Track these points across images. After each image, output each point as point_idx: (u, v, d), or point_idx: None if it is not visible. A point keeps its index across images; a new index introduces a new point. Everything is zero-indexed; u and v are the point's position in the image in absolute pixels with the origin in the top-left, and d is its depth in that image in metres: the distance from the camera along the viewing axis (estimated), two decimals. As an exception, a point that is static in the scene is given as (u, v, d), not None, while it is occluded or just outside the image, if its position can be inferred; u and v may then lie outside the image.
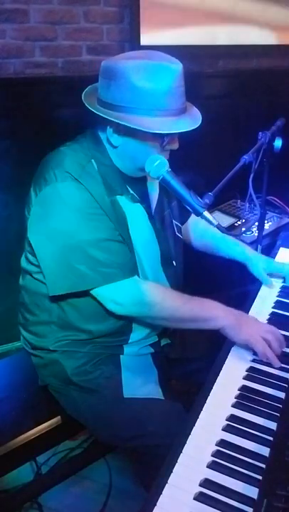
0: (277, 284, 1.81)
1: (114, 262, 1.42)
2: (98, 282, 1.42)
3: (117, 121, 1.35)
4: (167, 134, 1.39)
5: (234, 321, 1.46)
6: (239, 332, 1.44)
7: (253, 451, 1.12)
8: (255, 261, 1.82)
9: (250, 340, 1.41)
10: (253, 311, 1.66)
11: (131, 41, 2.62)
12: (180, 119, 1.38)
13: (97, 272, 1.41)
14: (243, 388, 1.31)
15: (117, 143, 1.45)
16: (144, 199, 1.59)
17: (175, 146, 1.46)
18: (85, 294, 1.47)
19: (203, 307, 1.50)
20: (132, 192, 1.53)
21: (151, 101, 1.33)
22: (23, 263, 1.63)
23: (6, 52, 2.35)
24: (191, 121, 1.39)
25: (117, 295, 1.45)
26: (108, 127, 1.43)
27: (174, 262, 1.68)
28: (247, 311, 1.65)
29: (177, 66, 1.35)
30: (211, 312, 1.48)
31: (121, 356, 1.60)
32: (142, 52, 1.40)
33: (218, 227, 1.46)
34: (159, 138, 1.41)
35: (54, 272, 1.46)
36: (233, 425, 1.19)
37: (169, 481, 1.04)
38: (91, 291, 1.46)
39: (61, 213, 1.41)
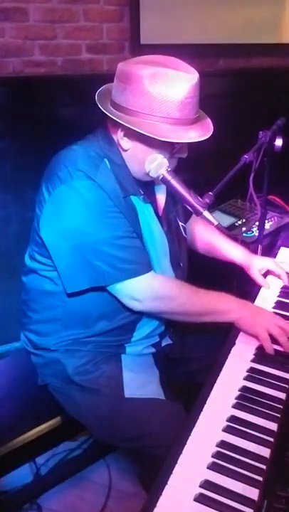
0: (278, 284, 1.81)
1: (132, 258, 1.43)
2: (117, 278, 1.43)
3: (128, 125, 1.35)
4: (177, 143, 1.39)
5: (248, 313, 1.53)
6: (252, 325, 1.50)
7: (253, 452, 1.12)
8: (252, 263, 1.82)
9: (260, 336, 1.47)
10: (253, 311, 1.65)
11: (131, 40, 2.62)
12: (191, 129, 1.37)
13: (116, 268, 1.41)
14: (244, 389, 1.30)
15: (126, 146, 1.45)
16: (152, 201, 1.59)
17: (184, 154, 1.47)
18: (98, 289, 1.47)
19: (219, 300, 1.55)
20: (143, 193, 1.52)
21: (164, 109, 1.33)
22: (28, 261, 1.63)
23: (5, 51, 2.35)
24: (202, 131, 1.39)
25: (136, 291, 1.45)
26: (119, 130, 1.43)
27: (181, 263, 1.68)
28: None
29: (193, 76, 1.35)
30: (227, 304, 1.54)
31: (122, 356, 1.60)
32: (160, 58, 1.39)
33: (219, 227, 1.46)
34: (169, 146, 1.41)
35: (72, 269, 1.46)
36: (234, 426, 1.18)
37: (169, 482, 1.04)
38: (109, 288, 1.46)
39: (77, 211, 1.41)
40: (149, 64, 1.35)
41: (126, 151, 1.46)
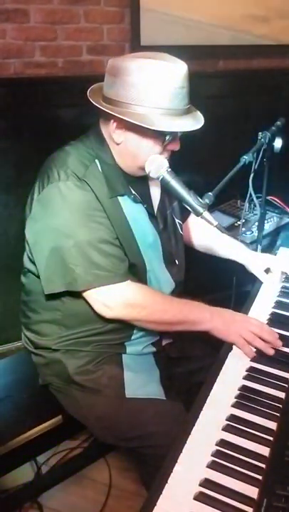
0: (278, 284, 1.81)
1: (108, 266, 1.43)
2: (90, 284, 1.43)
3: (120, 116, 1.37)
4: (169, 133, 1.41)
5: (221, 323, 1.50)
6: (227, 334, 1.48)
7: (252, 451, 1.12)
8: (253, 260, 1.83)
9: (237, 344, 1.46)
10: (253, 311, 1.66)
11: (131, 41, 2.62)
12: (182, 119, 1.39)
13: (90, 273, 1.42)
14: (243, 388, 1.31)
15: (119, 139, 1.46)
16: (145, 199, 1.59)
17: (176, 147, 1.47)
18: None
19: (191, 310, 1.53)
20: (134, 192, 1.53)
21: (153, 99, 1.35)
22: (26, 262, 1.63)
23: (6, 53, 2.35)
24: (193, 122, 1.40)
25: (108, 298, 1.45)
26: (112, 123, 1.44)
27: (176, 261, 1.68)
28: (247, 311, 1.66)
29: (182, 67, 1.37)
30: (199, 315, 1.51)
31: (123, 355, 1.61)
32: (149, 53, 1.41)
33: (218, 227, 1.46)
34: (161, 136, 1.42)
35: (50, 270, 1.47)
36: (233, 425, 1.19)
37: (169, 480, 1.04)
38: (83, 294, 1.46)
39: (60, 213, 1.42)
40: (138, 57, 1.38)
41: (119, 144, 1.47)
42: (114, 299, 1.46)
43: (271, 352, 1.44)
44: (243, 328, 1.47)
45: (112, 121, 1.43)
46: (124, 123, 1.40)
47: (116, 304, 1.46)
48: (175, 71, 1.35)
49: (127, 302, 1.47)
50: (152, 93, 1.34)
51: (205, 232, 1.90)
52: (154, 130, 1.36)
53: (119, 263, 1.46)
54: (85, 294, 1.47)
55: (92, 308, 1.52)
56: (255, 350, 1.45)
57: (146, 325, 1.55)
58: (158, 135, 1.41)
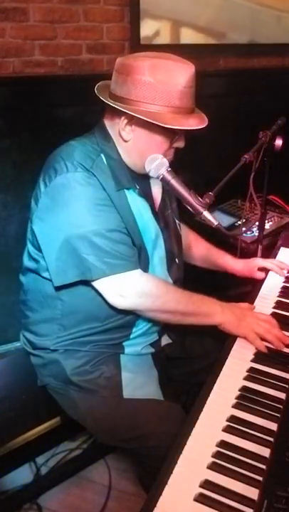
0: (278, 284, 1.81)
1: (121, 254, 1.43)
2: (104, 272, 1.42)
3: (133, 114, 1.37)
4: (179, 131, 1.42)
5: (232, 317, 1.51)
6: (238, 327, 1.49)
7: (253, 452, 1.11)
8: (248, 266, 1.87)
9: (248, 337, 1.47)
10: (253, 311, 1.65)
11: (131, 40, 2.62)
12: (190, 117, 1.41)
13: (104, 262, 1.41)
14: (244, 389, 1.30)
15: (128, 137, 1.46)
16: (148, 197, 1.59)
17: (182, 144, 1.49)
18: (88, 285, 1.47)
19: (203, 301, 1.54)
20: (138, 187, 1.53)
21: (165, 97, 1.37)
22: (26, 261, 1.63)
23: (5, 51, 2.35)
24: (200, 120, 1.43)
25: (122, 287, 1.45)
26: (122, 120, 1.44)
27: (176, 260, 1.68)
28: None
29: (191, 67, 1.40)
30: (210, 307, 1.53)
31: (121, 356, 1.60)
32: (157, 53, 1.43)
33: (218, 227, 1.46)
34: (169, 134, 1.44)
35: (60, 261, 1.46)
36: (234, 426, 1.18)
37: (169, 482, 1.03)
38: (95, 283, 1.46)
39: (70, 204, 1.42)
40: (148, 57, 1.39)
41: (127, 142, 1.48)
42: (128, 287, 1.45)
43: (281, 346, 1.45)
44: (255, 322, 1.49)
45: (122, 118, 1.44)
46: (134, 120, 1.41)
47: (130, 293, 1.46)
48: (185, 71, 1.38)
49: (141, 291, 1.47)
50: (164, 92, 1.36)
51: (193, 245, 1.93)
52: (164, 128, 1.38)
53: (130, 251, 1.46)
54: (97, 284, 1.46)
55: (91, 306, 1.52)
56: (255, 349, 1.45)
57: (160, 315, 1.54)
58: (167, 133, 1.43)
